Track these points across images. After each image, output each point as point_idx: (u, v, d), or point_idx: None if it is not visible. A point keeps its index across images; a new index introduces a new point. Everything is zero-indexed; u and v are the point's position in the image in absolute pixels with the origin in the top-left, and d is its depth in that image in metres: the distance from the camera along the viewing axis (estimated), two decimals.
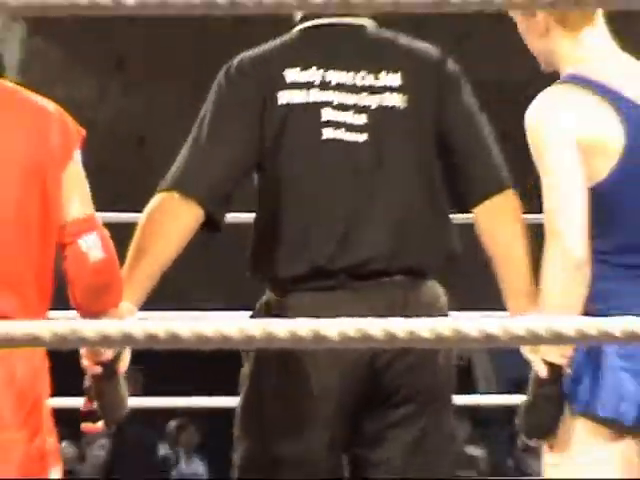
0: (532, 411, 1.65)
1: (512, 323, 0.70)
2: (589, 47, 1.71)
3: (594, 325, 0.74)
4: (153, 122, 6.52)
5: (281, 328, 0.69)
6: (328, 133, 1.65)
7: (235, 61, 1.68)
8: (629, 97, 1.69)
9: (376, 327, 0.69)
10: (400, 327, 0.70)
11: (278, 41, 1.69)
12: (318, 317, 0.78)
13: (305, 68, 1.65)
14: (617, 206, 1.73)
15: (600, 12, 1.73)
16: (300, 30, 1.67)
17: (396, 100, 1.67)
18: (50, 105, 1.58)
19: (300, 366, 1.62)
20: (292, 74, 1.64)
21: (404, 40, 1.71)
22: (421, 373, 1.64)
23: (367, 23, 1.69)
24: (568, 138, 1.64)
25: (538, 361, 1.62)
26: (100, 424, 1.64)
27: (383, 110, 1.66)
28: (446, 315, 1.70)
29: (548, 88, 1.67)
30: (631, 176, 1.69)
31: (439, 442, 1.66)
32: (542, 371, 1.60)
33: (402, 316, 0.88)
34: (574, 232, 1.70)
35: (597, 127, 1.66)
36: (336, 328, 0.68)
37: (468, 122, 1.69)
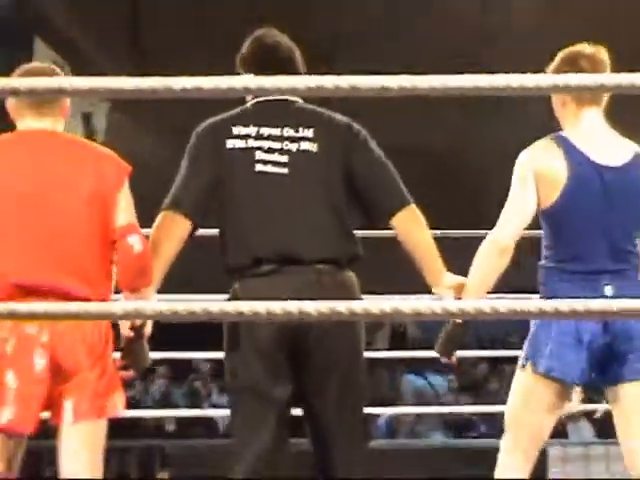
0: (444, 342, 2.46)
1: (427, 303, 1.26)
2: (584, 121, 2.48)
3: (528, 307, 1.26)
4: None
5: (232, 307, 1.31)
6: (259, 167, 2.35)
7: (202, 125, 2.45)
8: (587, 153, 2.43)
9: (291, 306, 1.23)
10: (310, 306, 1.22)
11: (233, 111, 2.44)
12: (260, 295, 1.56)
13: (246, 125, 2.38)
14: (564, 223, 2.44)
15: (606, 95, 2.46)
16: (250, 103, 2.44)
17: (309, 146, 2.36)
18: (107, 151, 2.42)
19: (250, 327, 2.30)
20: (236, 129, 2.38)
21: (320, 110, 2.43)
22: (336, 330, 2.28)
23: (297, 100, 2.43)
24: (530, 173, 2.44)
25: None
26: (131, 373, 2.43)
27: (300, 153, 2.35)
28: (356, 297, 2.33)
29: (536, 142, 2.50)
30: (576, 200, 2.40)
31: (355, 386, 2.38)
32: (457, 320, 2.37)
33: (318, 292, 1.54)
34: (507, 228, 2.40)
35: (551, 168, 2.42)
36: (264, 307, 1.24)
37: (374, 163, 2.41)
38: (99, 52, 10.96)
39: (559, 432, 6.21)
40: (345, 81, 1.26)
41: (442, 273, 2.41)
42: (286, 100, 2.44)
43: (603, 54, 2.55)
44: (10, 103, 2.48)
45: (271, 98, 2.42)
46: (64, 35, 10.09)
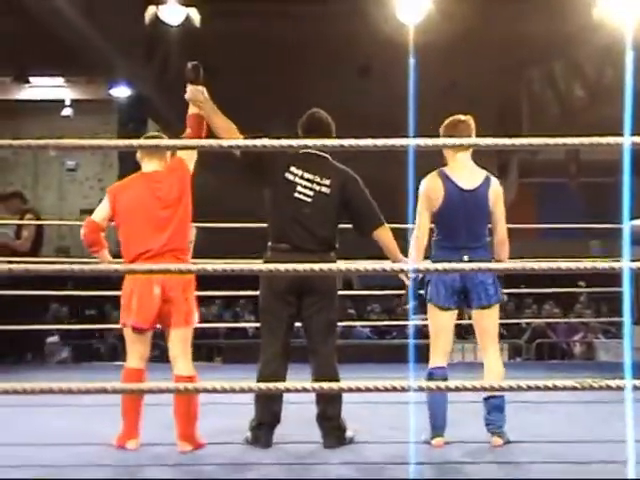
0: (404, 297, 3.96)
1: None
2: (458, 160, 3.85)
3: (426, 266, 3.02)
4: None
5: (262, 267, 3.31)
6: (296, 195, 3.75)
7: (279, 156, 3.72)
8: (456, 181, 3.83)
9: (299, 267, 2.45)
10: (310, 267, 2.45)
11: (294, 154, 3.76)
12: (282, 262, 2.70)
13: (297, 168, 3.76)
14: (442, 220, 3.86)
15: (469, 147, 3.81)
16: (301, 152, 3.73)
17: (326, 190, 3.77)
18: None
19: (272, 279, 3.75)
20: (292, 168, 3.76)
21: (335, 163, 3.82)
22: (321, 283, 3.72)
23: (326, 155, 3.79)
24: (424, 195, 3.86)
25: (404, 278, 3.82)
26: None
27: (320, 192, 3.76)
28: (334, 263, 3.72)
29: (430, 173, 3.84)
30: (448, 209, 3.83)
31: (328, 314, 3.79)
32: (406, 281, 3.82)
33: (317, 261, 2.92)
34: (418, 228, 3.87)
35: (435, 191, 3.84)
36: (282, 267, 2.42)
37: (362, 198, 3.81)
38: (182, 125, 15.06)
39: None
40: (348, 142, 2.05)
41: (400, 259, 3.81)
42: (319, 155, 3.75)
43: (471, 121, 3.86)
44: (138, 153, 3.88)
45: (312, 152, 3.70)
46: (163, 116, 14.19)
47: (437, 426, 3.80)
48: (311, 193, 3.75)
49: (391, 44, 10.51)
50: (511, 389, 2.01)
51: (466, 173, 3.88)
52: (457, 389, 1.92)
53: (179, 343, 3.75)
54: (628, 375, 2.19)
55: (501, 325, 11.59)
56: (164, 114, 14.32)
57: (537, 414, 4.64)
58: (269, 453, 3.61)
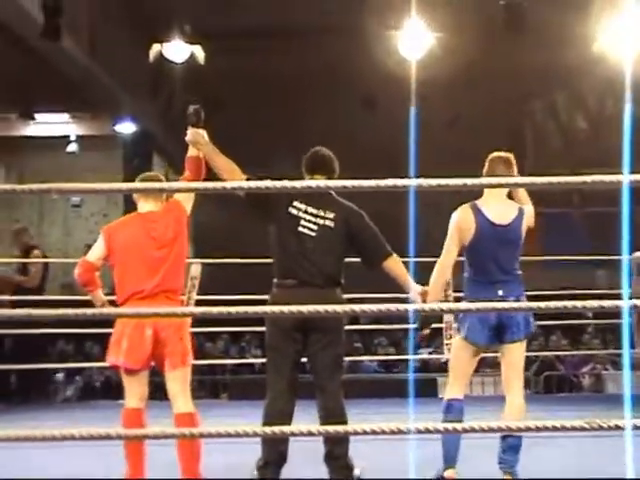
0: (420, 323, 3.90)
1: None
2: (492, 194, 3.84)
3: (458, 306, 3.24)
4: None
5: (266, 309, 3.09)
6: (300, 229, 3.71)
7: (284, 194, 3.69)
8: (488, 216, 3.80)
9: (304, 309, 2.28)
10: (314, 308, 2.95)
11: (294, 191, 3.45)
12: (284, 299, 3.44)
13: (301, 202, 3.71)
14: (472, 254, 3.83)
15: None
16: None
17: (330, 223, 3.72)
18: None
19: (278, 319, 3.67)
20: (296, 203, 3.72)
21: (339, 199, 3.78)
22: (327, 320, 3.65)
23: (331, 191, 3.71)
24: (455, 226, 3.83)
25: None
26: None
27: (324, 226, 3.72)
28: (342, 302, 3.64)
29: (464, 205, 3.81)
30: (479, 243, 3.79)
31: (335, 350, 3.73)
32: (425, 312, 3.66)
33: (323, 299, 3.16)
34: (445, 258, 3.89)
35: (467, 223, 3.81)
36: (286, 309, 2.62)
37: (369, 232, 3.77)
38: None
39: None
40: (351, 183, 2.06)
41: (413, 287, 3.73)
42: (320, 192, 3.59)
43: (512, 157, 3.91)
44: (134, 195, 3.95)
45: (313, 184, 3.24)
46: (168, 152, 14.38)
47: (450, 458, 3.78)
48: (315, 227, 3.71)
49: (394, 79, 10.60)
50: (519, 430, 1.99)
51: (499, 207, 3.87)
52: (466, 430, 1.90)
53: (177, 383, 3.77)
54: (628, 413, 2.16)
55: None
56: (169, 150, 14.45)
57: (547, 449, 4.59)
58: None
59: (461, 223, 3.85)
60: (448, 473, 3.77)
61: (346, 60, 11.64)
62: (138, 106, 12.81)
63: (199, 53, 11.58)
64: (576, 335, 11.32)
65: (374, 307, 2.01)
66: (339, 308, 2.12)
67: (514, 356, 3.85)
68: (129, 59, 12.01)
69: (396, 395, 7.22)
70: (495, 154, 3.95)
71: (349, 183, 2.05)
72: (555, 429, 1.95)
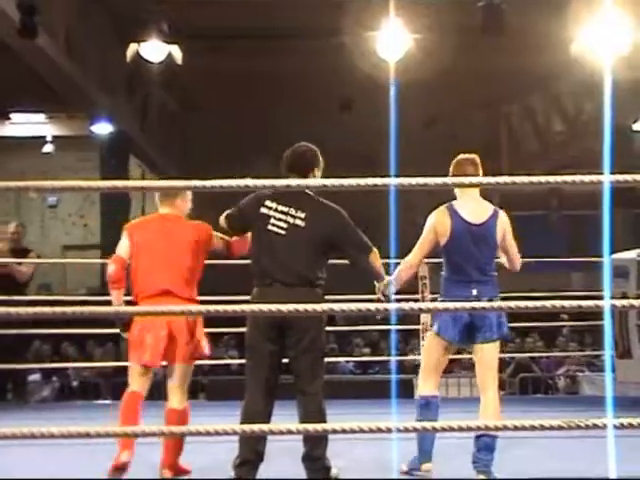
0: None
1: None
2: (466, 195, 3.92)
3: (432, 306, 3.11)
4: None
5: (245, 308, 2.98)
6: (269, 227, 3.69)
7: (257, 193, 3.73)
8: (463, 215, 3.87)
9: (281, 307, 2.24)
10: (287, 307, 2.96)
11: (268, 190, 3.70)
12: (267, 299, 3.39)
13: (272, 201, 3.70)
14: (449, 254, 3.90)
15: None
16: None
17: (300, 223, 3.67)
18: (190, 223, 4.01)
19: (255, 319, 3.66)
20: (267, 202, 3.71)
21: (315, 197, 3.73)
22: (302, 320, 3.60)
23: (308, 190, 3.70)
24: (431, 228, 3.90)
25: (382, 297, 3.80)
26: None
27: (294, 225, 3.68)
28: (317, 301, 3.48)
29: (440, 207, 3.90)
30: (455, 242, 3.87)
31: (313, 353, 3.69)
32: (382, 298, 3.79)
33: (295, 298, 2.95)
34: (414, 255, 3.92)
35: (443, 224, 3.89)
36: (266, 307, 2.35)
37: (350, 231, 3.74)
38: (164, 162, 15.24)
39: None
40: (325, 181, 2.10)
41: (383, 278, 3.80)
42: (296, 191, 3.63)
43: (477, 159, 3.97)
44: (156, 196, 3.97)
45: (284, 190, 3.59)
46: (145, 152, 14.42)
47: (426, 453, 3.83)
48: (285, 226, 3.69)
49: (372, 80, 10.63)
50: (497, 429, 2.00)
51: (474, 207, 3.94)
52: (445, 429, 1.91)
53: (178, 378, 3.85)
54: (609, 413, 2.20)
55: None
56: (146, 150, 14.42)
57: (522, 449, 4.62)
58: None
59: (437, 225, 3.91)
60: (425, 467, 3.83)
61: (323, 61, 11.64)
62: (115, 106, 12.74)
63: (176, 53, 11.53)
64: (552, 337, 11.41)
65: (348, 306, 2.02)
66: (309, 307, 2.12)
67: (487, 357, 3.90)
68: (106, 59, 11.94)
69: (373, 396, 7.21)
70: (462, 156, 4.01)
71: (328, 182, 2.06)
72: (534, 428, 1.96)
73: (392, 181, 2.15)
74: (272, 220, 3.69)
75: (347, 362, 10.70)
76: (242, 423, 3.58)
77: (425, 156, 11.18)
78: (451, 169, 3.99)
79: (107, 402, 8.88)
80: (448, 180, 2.22)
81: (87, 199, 16.84)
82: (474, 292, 3.83)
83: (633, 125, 14.22)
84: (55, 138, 15.97)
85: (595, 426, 1.96)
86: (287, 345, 3.68)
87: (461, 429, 1.89)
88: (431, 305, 2.72)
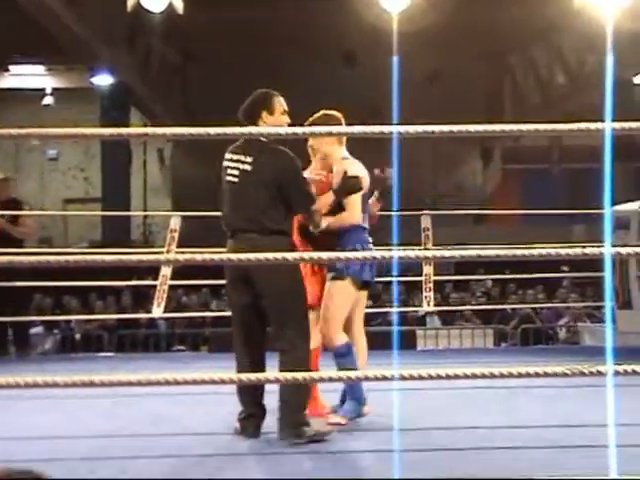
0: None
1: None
2: (344, 152, 4.04)
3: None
4: None
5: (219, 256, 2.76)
6: (227, 178, 3.67)
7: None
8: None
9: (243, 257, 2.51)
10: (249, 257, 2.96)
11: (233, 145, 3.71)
12: (229, 251, 3.46)
13: (230, 152, 3.67)
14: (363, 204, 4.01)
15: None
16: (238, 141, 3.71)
17: (247, 167, 3.62)
18: None
19: (227, 272, 3.63)
20: (227, 155, 3.69)
21: (266, 143, 3.61)
22: (263, 270, 3.49)
23: (262, 138, 3.58)
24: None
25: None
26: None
27: (243, 171, 3.63)
28: (280, 250, 3.08)
29: (348, 160, 4.01)
30: (366, 195, 4.05)
31: (283, 299, 3.55)
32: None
33: (255, 247, 3.21)
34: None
35: (365, 176, 4.00)
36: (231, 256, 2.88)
37: (295, 179, 3.63)
38: (165, 113, 15.19)
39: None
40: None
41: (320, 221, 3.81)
42: (250, 139, 3.58)
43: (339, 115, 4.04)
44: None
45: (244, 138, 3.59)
46: (146, 104, 14.52)
47: (363, 399, 3.93)
48: (236, 173, 3.64)
49: (375, 32, 10.49)
50: (502, 376, 2.01)
51: (353, 161, 4.04)
52: (450, 377, 1.90)
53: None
54: (609, 361, 2.21)
55: (487, 311, 11.49)
56: (147, 102, 14.33)
57: (524, 397, 4.66)
58: (255, 444, 3.58)
59: (363, 175, 3.98)
60: (365, 409, 3.95)
61: (325, 12, 11.54)
62: (115, 57, 12.60)
63: (177, 3, 11.37)
64: (553, 289, 11.45)
65: (315, 254, 2.00)
66: (262, 257, 2.16)
67: (364, 301, 4.07)
68: (106, 9, 11.77)
69: (377, 347, 7.25)
70: (323, 112, 4.03)
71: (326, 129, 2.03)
72: (537, 375, 1.96)
73: (394, 129, 2.12)
74: (229, 170, 3.66)
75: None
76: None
77: (428, 109, 11.13)
78: (318, 121, 3.97)
79: (110, 354, 8.95)
80: (455, 128, 2.20)
81: (88, 153, 16.74)
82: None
83: (634, 78, 14.09)
84: (55, 90, 15.84)
85: (598, 373, 1.96)
86: (257, 295, 3.57)
87: (475, 376, 1.88)
88: (417, 254, 2.65)
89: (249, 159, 3.61)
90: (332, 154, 4.03)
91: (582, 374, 2.02)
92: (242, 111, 3.67)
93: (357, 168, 3.96)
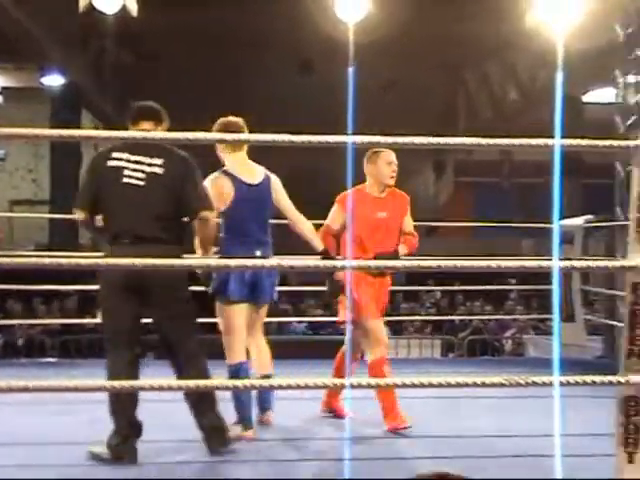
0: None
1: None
2: (238, 158, 4.01)
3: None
4: None
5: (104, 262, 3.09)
6: (125, 180, 3.44)
7: (98, 152, 3.54)
8: (242, 178, 3.98)
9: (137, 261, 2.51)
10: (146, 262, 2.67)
11: (117, 143, 3.49)
12: (120, 256, 2.99)
13: (121, 152, 3.45)
14: (233, 216, 3.94)
15: (245, 146, 4.03)
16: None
17: (159, 170, 3.45)
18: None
19: (110, 275, 3.38)
20: (115, 154, 3.45)
21: (169, 147, 3.48)
22: (164, 280, 3.36)
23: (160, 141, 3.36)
24: (215, 193, 3.79)
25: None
26: None
27: (152, 173, 3.45)
28: (172, 257, 3.03)
29: (213, 174, 3.92)
30: (238, 204, 3.94)
31: (179, 313, 3.45)
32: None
33: (150, 256, 2.65)
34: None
35: (225, 188, 3.93)
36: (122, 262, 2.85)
37: (194, 183, 3.50)
38: (117, 115, 14.96)
39: None
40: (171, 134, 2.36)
41: (208, 250, 3.69)
42: (145, 141, 3.44)
43: (242, 122, 3.96)
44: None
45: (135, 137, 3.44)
46: (98, 106, 14.18)
47: (249, 418, 3.92)
48: (143, 176, 3.45)
49: (332, 41, 10.54)
50: (441, 386, 2.04)
51: (248, 169, 4.05)
52: (371, 386, 1.93)
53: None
54: (556, 372, 2.27)
55: (434, 322, 11.56)
56: (99, 104, 14.14)
57: (469, 408, 4.72)
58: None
59: (220, 189, 3.95)
60: (249, 433, 3.90)
61: (284, 18, 11.52)
62: (67, 57, 12.42)
63: (131, 5, 11.26)
64: (499, 302, 11.64)
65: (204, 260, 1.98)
66: (165, 263, 2.11)
67: (261, 316, 4.13)
68: (58, 8, 11.60)
69: (326, 356, 7.27)
70: (225, 118, 4.02)
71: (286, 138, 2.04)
72: (476, 385, 2.00)
73: (349, 139, 2.14)
74: (126, 172, 3.45)
75: (299, 322, 10.76)
76: (113, 398, 3.36)
77: (382, 119, 11.24)
78: (214, 129, 3.95)
79: (52, 360, 8.81)
80: (406, 140, 2.23)
81: (37, 154, 16.46)
82: (257, 253, 3.94)
83: (583, 97, 14.43)
84: (4, 89, 15.54)
85: (542, 383, 2.01)
86: (145, 303, 3.42)
87: (432, 385, 1.91)
88: (299, 263, 2.63)
89: (158, 161, 3.46)
90: (222, 160, 4.08)
91: (528, 384, 2.06)
92: (147, 112, 3.60)
93: (210, 183, 3.90)
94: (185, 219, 3.55)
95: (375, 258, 4.06)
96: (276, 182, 4.10)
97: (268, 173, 4.10)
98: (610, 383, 2.34)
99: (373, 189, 4.27)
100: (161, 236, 3.40)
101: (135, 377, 3.33)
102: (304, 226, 4.07)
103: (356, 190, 4.23)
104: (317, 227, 4.20)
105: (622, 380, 2.28)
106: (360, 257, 4.06)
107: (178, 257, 3.31)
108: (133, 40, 12.82)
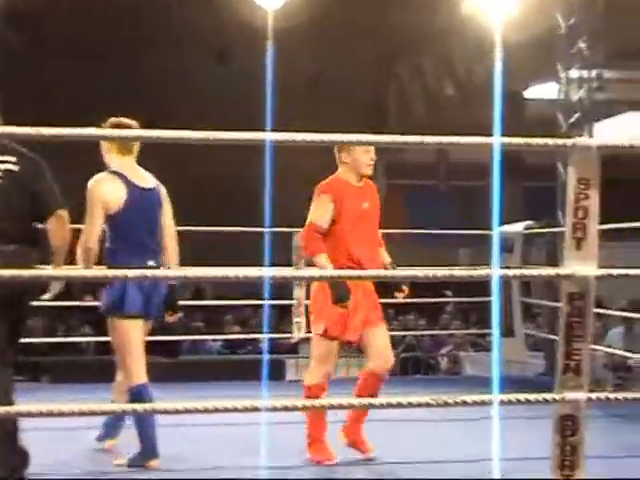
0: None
1: None
2: (127, 162, 4.02)
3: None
4: None
5: None
6: None
7: None
8: (134, 181, 3.97)
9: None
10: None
11: None
12: None
13: None
14: (123, 222, 3.92)
15: (137, 145, 4.06)
16: None
17: (14, 167, 3.50)
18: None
19: None
20: None
21: (18, 147, 3.53)
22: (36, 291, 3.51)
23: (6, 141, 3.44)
24: (100, 197, 3.89)
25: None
26: None
27: (8, 170, 3.50)
28: (30, 259, 3.42)
29: (99, 174, 3.99)
30: (129, 209, 3.92)
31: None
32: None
33: (24, 262, 3.12)
34: (92, 233, 3.87)
35: (115, 191, 3.92)
36: None
37: (46, 183, 3.57)
38: None
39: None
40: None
41: (59, 262, 3.60)
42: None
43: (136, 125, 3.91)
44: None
45: None
46: None
47: (155, 448, 3.87)
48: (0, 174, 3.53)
49: (251, 29, 10.51)
50: (363, 407, 2.03)
51: (140, 174, 4.06)
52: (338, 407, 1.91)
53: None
54: (495, 390, 2.29)
55: None
56: None
57: (398, 432, 4.74)
58: None
59: (107, 193, 3.94)
60: (155, 463, 3.88)
61: (199, 7, 11.50)
62: None
63: None
64: (434, 316, 11.73)
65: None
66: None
67: (146, 333, 4.06)
68: None
69: (243, 378, 7.24)
70: (116, 119, 4.02)
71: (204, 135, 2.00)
72: (401, 406, 2.01)
73: (268, 136, 2.11)
74: None
75: (214, 341, 10.62)
76: None
77: (308, 114, 11.23)
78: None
79: None
80: (339, 137, 2.21)
81: None
82: (151, 262, 3.92)
83: (524, 92, 14.72)
84: None
85: (468, 403, 2.02)
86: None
87: (352, 406, 1.90)
88: (195, 273, 2.61)
89: (12, 158, 3.53)
90: (109, 163, 4.06)
91: (457, 404, 2.07)
92: None
93: (95, 184, 3.94)
94: (37, 223, 3.58)
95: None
96: (165, 193, 4.11)
97: (157, 182, 4.11)
98: (545, 401, 2.34)
99: (351, 179, 4.15)
100: (19, 236, 3.44)
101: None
102: (171, 244, 4.07)
103: (337, 178, 4.15)
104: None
105: (557, 398, 2.29)
106: (343, 259, 3.96)
107: (35, 260, 3.39)
108: (24, 21, 12.44)
